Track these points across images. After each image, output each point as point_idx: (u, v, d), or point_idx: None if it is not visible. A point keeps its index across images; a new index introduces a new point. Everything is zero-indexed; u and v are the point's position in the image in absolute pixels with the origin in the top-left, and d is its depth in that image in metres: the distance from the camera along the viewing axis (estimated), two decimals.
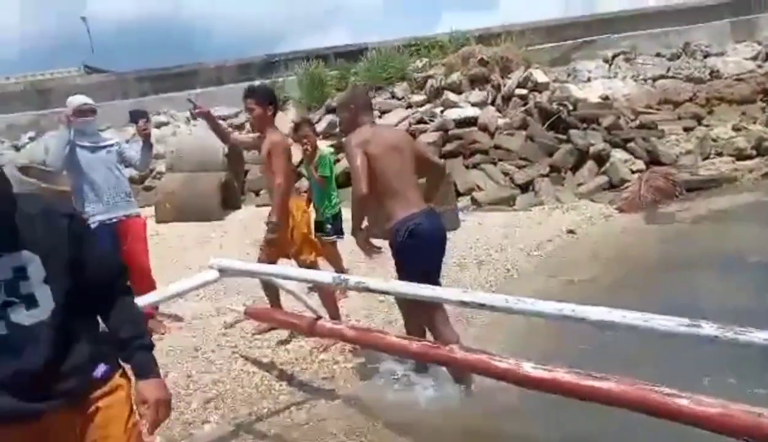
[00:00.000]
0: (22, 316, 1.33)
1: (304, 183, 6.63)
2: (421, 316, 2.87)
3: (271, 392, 3.17)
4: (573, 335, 3.08)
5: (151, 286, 3.81)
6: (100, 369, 1.44)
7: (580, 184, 7.69)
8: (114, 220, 3.82)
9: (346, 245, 4.71)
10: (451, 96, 9.49)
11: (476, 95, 9.57)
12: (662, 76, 11.11)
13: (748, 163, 8.09)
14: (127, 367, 1.53)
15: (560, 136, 8.41)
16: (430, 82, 10.05)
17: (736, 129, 8.96)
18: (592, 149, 8.02)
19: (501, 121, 8.93)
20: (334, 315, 3.51)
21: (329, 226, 4.58)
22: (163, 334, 3.94)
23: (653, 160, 8.12)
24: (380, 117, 9.44)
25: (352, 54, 11.63)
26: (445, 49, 11.14)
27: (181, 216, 7.53)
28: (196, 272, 4.76)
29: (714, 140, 8.76)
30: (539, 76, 9.74)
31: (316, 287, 3.59)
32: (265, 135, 3.72)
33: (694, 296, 3.90)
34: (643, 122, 9.17)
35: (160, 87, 11.96)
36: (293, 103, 10.70)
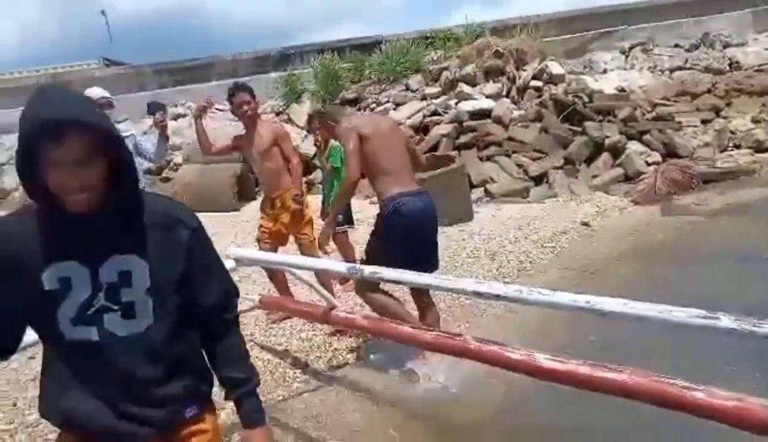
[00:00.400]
0: (116, 324, 1.22)
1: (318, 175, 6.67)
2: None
3: (286, 379, 3.23)
4: (587, 326, 3.09)
5: None
6: (193, 409, 1.33)
7: (594, 177, 7.63)
8: None
9: (360, 235, 4.77)
10: (466, 88, 9.46)
11: (491, 87, 9.53)
12: (680, 68, 10.96)
13: (767, 155, 7.97)
14: (216, 398, 1.42)
15: (575, 128, 8.35)
16: (444, 74, 10.01)
17: (755, 121, 8.83)
18: (607, 141, 7.96)
19: (516, 113, 8.89)
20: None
21: (340, 215, 4.63)
22: None
23: (670, 152, 8.04)
24: (395, 109, 9.45)
25: (367, 46, 11.62)
26: (459, 41, 11.08)
27: (197, 207, 7.49)
28: None
29: (732, 132, 8.64)
30: (554, 67, 9.66)
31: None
32: (256, 127, 3.83)
33: (710, 289, 3.86)
34: (659, 114, 9.07)
35: (177, 79, 12.06)
36: (308, 96, 10.73)
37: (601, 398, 1.69)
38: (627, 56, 11.52)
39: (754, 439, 1.44)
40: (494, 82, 9.69)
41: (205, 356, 1.38)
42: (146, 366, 1.25)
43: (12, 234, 1.21)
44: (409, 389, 2.99)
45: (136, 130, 4.36)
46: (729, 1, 12.91)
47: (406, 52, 10.70)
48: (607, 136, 8.02)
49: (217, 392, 1.41)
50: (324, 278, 3.70)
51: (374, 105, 9.80)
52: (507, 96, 9.45)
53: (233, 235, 6.48)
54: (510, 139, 8.37)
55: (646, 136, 8.24)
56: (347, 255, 4.66)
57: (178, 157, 9.37)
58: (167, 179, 9.19)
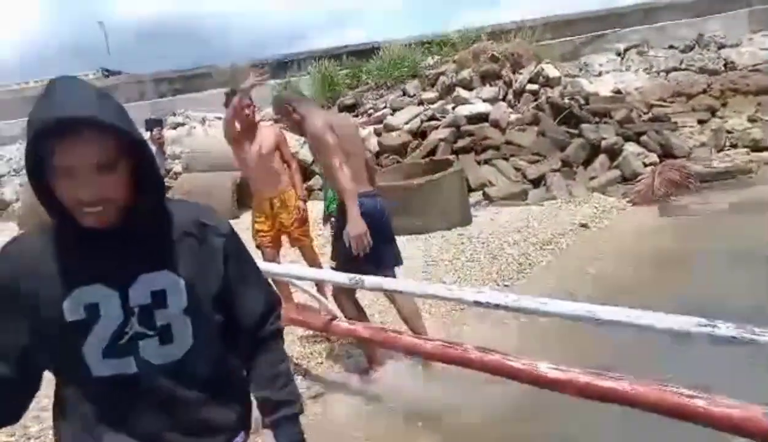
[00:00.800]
0: (153, 352, 1.07)
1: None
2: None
3: None
4: (587, 332, 3.10)
5: None
6: (242, 436, 1.21)
7: (592, 178, 7.65)
8: None
9: None
10: (463, 92, 9.49)
11: (487, 91, 9.55)
12: (675, 69, 10.99)
13: (764, 154, 7.98)
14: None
15: (572, 130, 8.37)
16: (441, 79, 10.04)
17: (751, 120, 8.85)
18: (604, 143, 7.98)
19: (512, 117, 8.91)
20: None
21: (333, 218, 4.67)
22: None
23: (666, 153, 8.05)
24: (392, 114, 9.47)
25: (364, 52, 11.66)
26: (456, 46, 11.12)
27: None
28: None
29: (729, 132, 8.66)
30: (550, 71, 9.69)
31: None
32: (258, 130, 3.89)
33: (710, 290, 3.88)
34: (655, 115, 9.08)
35: (176, 88, 12.09)
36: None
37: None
38: (622, 58, 11.55)
39: None
40: (491, 86, 9.72)
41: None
42: (189, 395, 1.10)
43: (24, 261, 1.05)
44: (410, 394, 3.00)
45: None
46: (723, 2, 12.97)
47: (403, 58, 10.74)
48: (604, 138, 8.04)
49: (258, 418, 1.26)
50: (319, 285, 3.72)
51: (372, 110, 9.83)
52: (504, 100, 9.47)
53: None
54: (507, 142, 8.39)
55: (643, 138, 8.26)
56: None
57: (177, 166, 9.38)
58: (167, 188, 9.20)
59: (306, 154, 8.05)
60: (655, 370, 1.86)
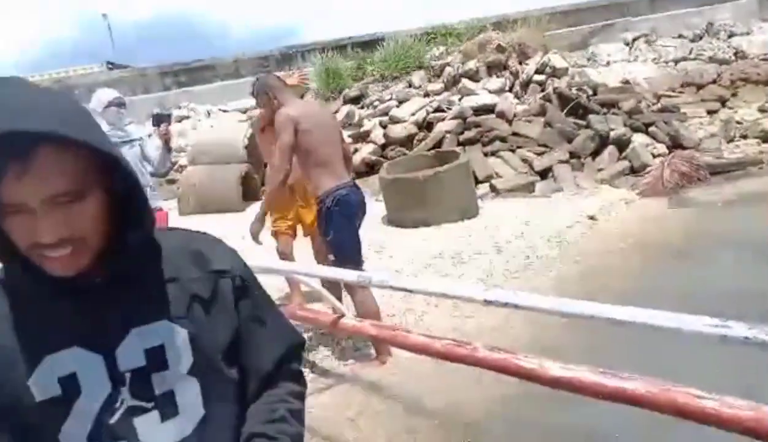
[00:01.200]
0: (154, 430, 0.82)
1: None
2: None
3: None
4: (595, 329, 3.08)
5: None
6: None
7: (600, 170, 7.60)
8: None
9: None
10: (469, 84, 9.42)
11: (494, 82, 9.48)
12: (684, 58, 10.87)
13: None
14: None
15: (579, 121, 8.31)
16: (447, 70, 9.97)
17: (762, 110, 8.75)
18: (612, 134, 7.92)
19: (519, 108, 8.85)
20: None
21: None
22: None
23: (676, 144, 7.98)
24: (398, 106, 9.43)
25: (369, 44, 11.60)
26: (461, 36, 11.04)
27: (203, 208, 7.65)
28: None
29: (738, 122, 8.58)
30: (557, 61, 9.60)
31: None
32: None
33: (722, 283, 3.85)
34: (664, 106, 9.01)
35: (180, 81, 12.09)
36: (311, 94, 10.72)
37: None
38: (630, 48, 11.44)
39: None
40: (497, 77, 9.65)
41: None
42: None
43: None
44: (418, 388, 3.01)
45: (142, 133, 4.37)
46: None
47: (408, 49, 10.67)
48: (612, 129, 7.97)
49: None
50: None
51: (377, 102, 9.78)
52: (510, 91, 9.40)
53: (240, 236, 6.48)
54: (514, 134, 8.33)
55: (652, 129, 8.19)
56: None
57: (183, 159, 9.39)
58: (172, 181, 9.22)
59: None
60: (665, 370, 1.85)
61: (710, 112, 9.06)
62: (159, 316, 0.84)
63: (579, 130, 8.09)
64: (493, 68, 9.78)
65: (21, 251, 0.75)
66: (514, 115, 8.67)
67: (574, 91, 8.83)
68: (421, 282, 2.03)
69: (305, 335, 3.75)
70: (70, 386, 0.79)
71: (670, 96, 9.56)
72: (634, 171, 7.52)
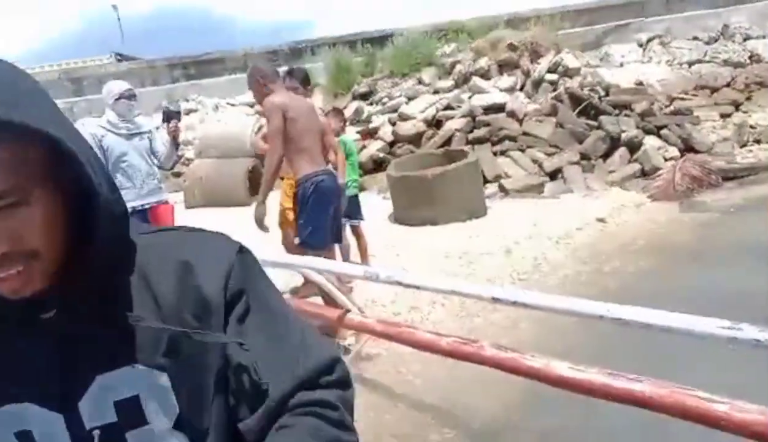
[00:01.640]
0: None
1: None
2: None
3: None
4: (603, 330, 3.05)
5: None
6: None
7: (611, 172, 7.54)
8: (146, 206, 3.90)
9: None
10: (479, 82, 9.37)
11: (505, 81, 9.42)
12: (699, 61, 10.75)
13: None
14: None
15: (591, 122, 8.24)
16: (457, 67, 9.92)
17: None
18: (624, 136, 7.85)
19: (530, 107, 8.79)
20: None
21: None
22: None
23: (688, 147, 7.91)
24: (407, 103, 9.39)
25: (379, 39, 11.55)
26: (473, 34, 10.97)
27: (209, 202, 7.65)
28: None
29: (752, 127, 8.48)
30: (570, 61, 9.53)
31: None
32: None
33: (731, 288, 3.80)
34: (677, 108, 8.92)
35: (189, 74, 12.10)
36: (320, 90, 10.70)
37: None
38: (644, 49, 11.33)
39: None
40: (508, 75, 9.58)
41: None
42: None
43: None
44: (424, 385, 2.99)
45: (151, 126, 4.37)
46: None
47: (419, 45, 10.61)
48: (624, 131, 7.90)
49: None
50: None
51: (386, 99, 9.75)
52: (521, 90, 9.34)
53: (247, 231, 6.49)
54: (524, 133, 8.27)
55: (664, 131, 8.11)
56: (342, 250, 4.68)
57: (190, 152, 9.41)
58: (179, 174, 9.24)
59: None
60: (675, 372, 1.81)
61: (723, 116, 8.96)
62: (130, 358, 0.63)
63: (590, 131, 8.03)
64: (505, 67, 9.72)
65: None
66: (525, 115, 8.61)
67: (586, 91, 8.75)
68: (429, 279, 2.00)
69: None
70: None
71: (683, 99, 9.46)
72: (645, 174, 7.45)
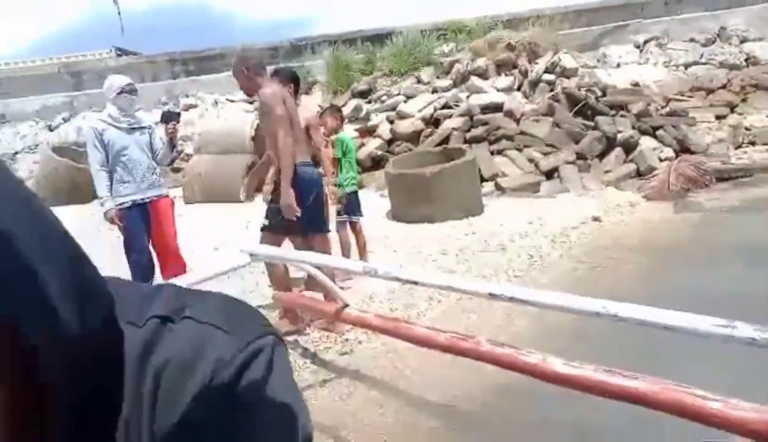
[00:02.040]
0: None
1: None
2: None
3: (296, 369, 3.26)
4: (599, 327, 3.08)
5: (181, 266, 3.97)
6: None
7: (606, 172, 7.59)
8: (146, 200, 3.92)
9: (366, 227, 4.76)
10: (477, 81, 9.40)
11: (503, 81, 9.46)
12: (695, 63, 10.82)
13: None
14: None
15: (587, 122, 8.28)
16: (456, 66, 9.94)
17: None
18: (620, 136, 7.90)
19: (527, 107, 8.82)
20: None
21: (338, 206, 4.70)
22: None
23: (683, 148, 7.96)
24: (405, 102, 9.41)
25: (378, 38, 11.55)
26: (472, 33, 11.00)
27: (208, 197, 7.66)
28: (223, 253, 4.90)
29: (747, 129, 8.54)
30: (567, 61, 9.57)
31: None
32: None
33: (724, 287, 3.83)
34: (673, 109, 8.98)
35: (189, 69, 12.07)
36: (319, 87, 10.70)
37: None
38: (641, 50, 11.39)
39: None
40: (506, 75, 9.62)
41: None
42: None
43: None
44: (421, 380, 3.01)
45: (151, 121, 4.38)
46: None
47: (418, 44, 10.63)
48: (620, 131, 7.95)
49: None
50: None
51: (385, 97, 9.77)
52: (519, 89, 9.38)
53: (245, 226, 6.50)
54: (521, 133, 8.31)
55: (660, 132, 8.16)
56: (342, 247, 4.70)
57: (189, 148, 9.40)
58: (178, 169, 9.23)
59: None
60: (670, 369, 1.84)
61: (719, 118, 9.02)
62: None
63: (586, 132, 8.07)
64: (503, 66, 9.76)
65: None
66: (522, 114, 8.65)
67: (583, 91, 8.79)
68: (426, 275, 2.03)
69: (307, 330, 3.76)
70: None
71: (679, 100, 9.52)
72: (640, 174, 7.50)
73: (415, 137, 8.69)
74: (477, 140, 8.26)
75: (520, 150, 8.05)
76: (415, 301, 4.08)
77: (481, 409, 2.72)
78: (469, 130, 8.47)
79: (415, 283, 2.12)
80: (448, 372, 2.95)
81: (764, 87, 9.69)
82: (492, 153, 8.09)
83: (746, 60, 10.72)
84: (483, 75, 9.61)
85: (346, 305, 2.56)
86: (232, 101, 11.23)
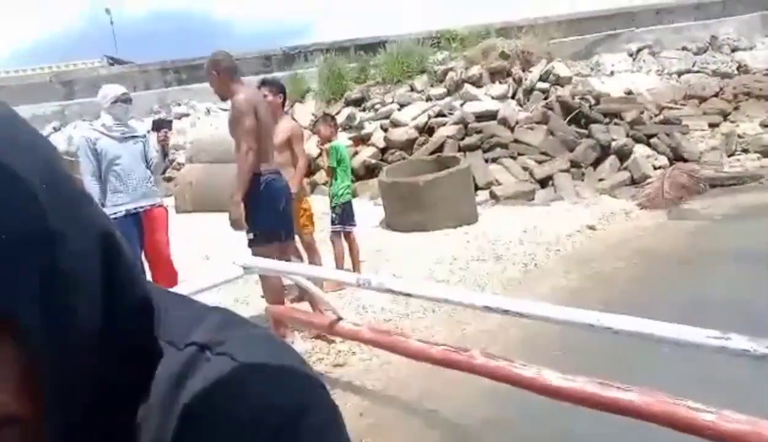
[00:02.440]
0: None
1: None
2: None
3: None
4: (593, 339, 3.07)
5: (173, 275, 3.95)
6: None
7: (601, 180, 7.60)
8: (139, 209, 3.89)
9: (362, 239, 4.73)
10: (471, 89, 9.42)
11: (497, 89, 9.49)
12: (688, 71, 10.90)
13: None
14: None
15: (581, 130, 8.31)
16: (450, 75, 9.97)
17: (763, 125, 8.77)
18: (613, 144, 7.93)
19: (521, 115, 8.85)
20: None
21: (333, 215, 4.68)
22: None
23: (677, 156, 8.00)
24: (399, 110, 9.42)
25: (372, 46, 11.58)
26: (465, 42, 11.04)
27: (200, 206, 7.61)
28: (215, 262, 4.87)
29: (740, 137, 8.59)
30: (561, 69, 9.62)
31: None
32: (276, 120, 4.13)
33: (718, 295, 3.84)
34: (667, 118, 9.02)
35: (181, 78, 12.05)
36: (313, 96, 10.70)
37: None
38: (634, 59, 11.47)
39: None
40: (500, 83, 9.65)
41: None
42: None
43: None
44: (415, 390, 2.98)
45: (144, 131, 4.36)
46: (738, 5, 12.82)
47: (412, 53, 10.66)
48: (614, 139, 7.98)
49: None
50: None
51: (379, 105, 9.77)
52: (513, 98, 9.41)
53: (237, 236, 6.47)
54: (515, 141, 8.33)
55: (653, 140, 8.20)
56: (337, 257, 4.68)
57: (180, 157, 9.37)
58: (170, 178, 9.20)
59: (309, 148, 8.02)
60: (664, 381, 1.83)
61: (712, 126, 9.08)
62: None
63: (580, 140, 8.09)
64: (496, 75, 9.79)
65: None
66: (516, 123, 8.67)
67: (576, 100, 8.83)
68: (420, 287, 2.01)
69: (300, 342, 3.73)
70: None
71: (672, 108, 9.58)
72: (634, 182, 7.52)
73: (409, 145, 8.68)
74: (471, 148, 8.27)
75: (514, 158, 8.06)
76: (408, 310, 4.05)
77: (477, 422, 2.70)
78: (463, 139, 8.48)
79: (409, 295, 2.10)
80: (442, 384, 2.93)
81: (756, 95, 9.77)
82: (486, 161, 8.10)
83: (738, 68, 10.81)
84: (477, 83, 9.64)
85: (340, 319, 2.54)
86: (224, 110, 11.21)
